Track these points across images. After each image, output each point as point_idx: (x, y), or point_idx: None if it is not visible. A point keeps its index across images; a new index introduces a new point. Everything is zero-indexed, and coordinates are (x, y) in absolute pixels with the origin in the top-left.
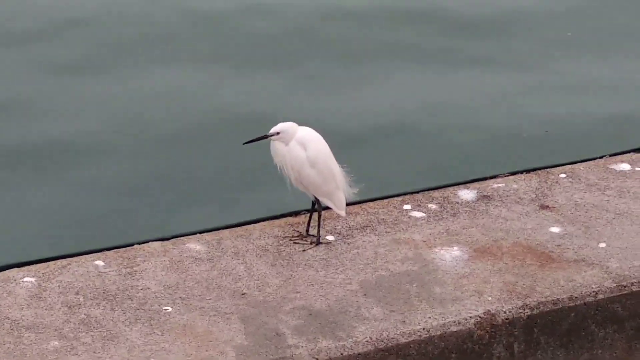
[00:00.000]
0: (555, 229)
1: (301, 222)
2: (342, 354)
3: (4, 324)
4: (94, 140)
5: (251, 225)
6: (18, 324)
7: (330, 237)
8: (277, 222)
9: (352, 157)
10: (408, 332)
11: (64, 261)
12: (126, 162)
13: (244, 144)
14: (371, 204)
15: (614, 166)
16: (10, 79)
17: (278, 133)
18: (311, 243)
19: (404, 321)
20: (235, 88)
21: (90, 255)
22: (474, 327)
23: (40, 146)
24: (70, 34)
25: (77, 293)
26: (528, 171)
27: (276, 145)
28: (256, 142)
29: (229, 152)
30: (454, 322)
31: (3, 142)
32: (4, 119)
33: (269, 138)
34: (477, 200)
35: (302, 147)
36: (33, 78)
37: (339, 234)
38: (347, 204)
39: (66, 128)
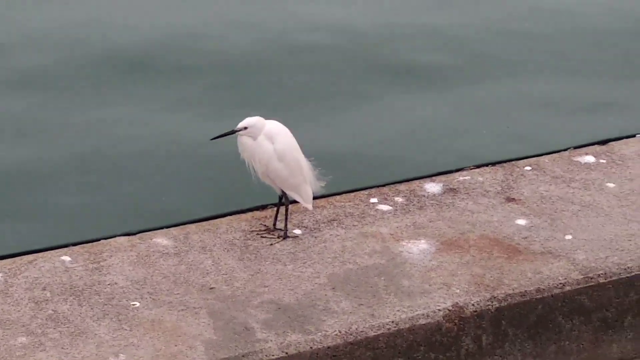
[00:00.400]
0: (521, 222)
1: (268, 216)
2: (311, 347)
3: None
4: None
5: (218, 220)
6: None
7: (297, 231)
8: (243, 216)
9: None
10: (377, 325)
11: (30, 257)
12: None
13: (211, 139)
14: (338, 197)
15: (578, 158)
16: None
17: (246, 128)
18: (278, 237)
19: (372, 314)
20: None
21: (56, 250)
22: (442, 319)
23: None
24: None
25: (44, 289)
26: (493, 164)
27: (243, 140)
28: (223, 138)
29: (196, 146)
30: (423, 315)
31: None
32: None
33: (237, 133)
34: (444, 193)
35: (269, 140)
36: None
37: (306, 227)
38: (314, 198)
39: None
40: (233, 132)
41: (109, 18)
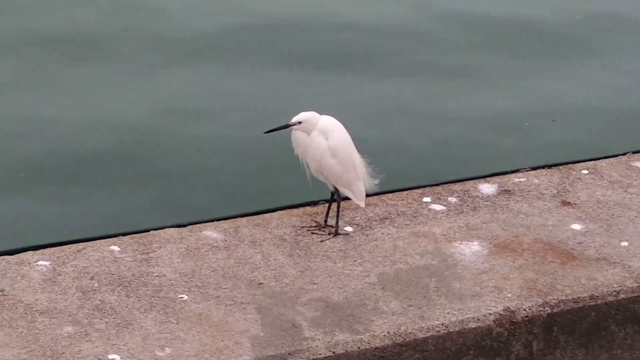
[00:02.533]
0: (576, 226)
1: (319, 212)
2: (359, 347)
3: (17, 308)
4: None
5: (269, 214)
6: (32, 308)
7: (348, 228)
8: (295, 211)
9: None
10: (426, 327)
11: (79, 245)
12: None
13: (264, 133)
14: (390, 195)
15: (636, 163)
16: None
17: (300, 122)
18: (329, 234)
19: (422, 316)
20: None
21: (105, 240)
22: (493, 323)
23: None
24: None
25: (92, 278)
26: (550, 166)
27: (297, 135)
28: (277, 132)
29: (249, 140)
30: (473, 318)
31: None
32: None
33: (291, 128)
34: (498, 194)
35: (323, 136)
36: None
37: (358, 225)
38: (367, 195)
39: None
40: (287, 126)
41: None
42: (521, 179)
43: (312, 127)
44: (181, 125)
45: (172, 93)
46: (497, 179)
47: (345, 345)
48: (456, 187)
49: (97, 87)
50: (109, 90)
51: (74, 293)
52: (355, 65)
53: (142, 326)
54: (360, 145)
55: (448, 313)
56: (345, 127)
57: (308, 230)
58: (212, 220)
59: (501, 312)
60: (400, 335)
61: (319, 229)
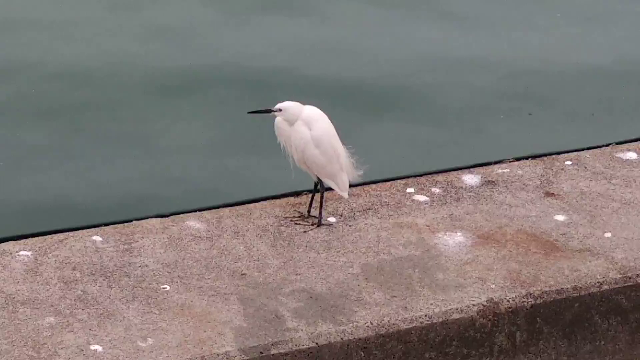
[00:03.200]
0: (560, 217)
1: (303, 203)
2: (342, 338)
3: None
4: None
5: (252, 205)
6: (13, 298)
7: (332, 219)
8: (278, 201)
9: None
10: (410, 318)
11: (61, 235)
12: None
13: (247, 113)
14: (374, 186)
15: (620, 155)
16: None
17: (280, 110)
18: (312, 224)
19: (405, 307)
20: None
21: (87, 230)
22: (476, 314)
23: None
24: None
25: (74, 268)
26: (533, 157)
27: (280, 124)
28: (260, 115)
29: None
30: (457, 309)
31: None
32: None
33: (272, 113)
34: (482, 185)
35: (306, 126)
36: None
37: (341, 215)
38: (350, 186)
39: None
40: (269, 110)
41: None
42: (505, 170)
43: (293, 117)
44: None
45: None
46: (480, 169)
47: (328, 336)
48: (440, 177)
49: None
50: None
51: (56, 283)
52: None
53: (124, 317)
54: (343, 135)
55: (431, 304)
56: (328, 117)
57: (291, 220)
58: (194, 211)
59: (484, 303)
60: (383, 326)
61: (302, 220)
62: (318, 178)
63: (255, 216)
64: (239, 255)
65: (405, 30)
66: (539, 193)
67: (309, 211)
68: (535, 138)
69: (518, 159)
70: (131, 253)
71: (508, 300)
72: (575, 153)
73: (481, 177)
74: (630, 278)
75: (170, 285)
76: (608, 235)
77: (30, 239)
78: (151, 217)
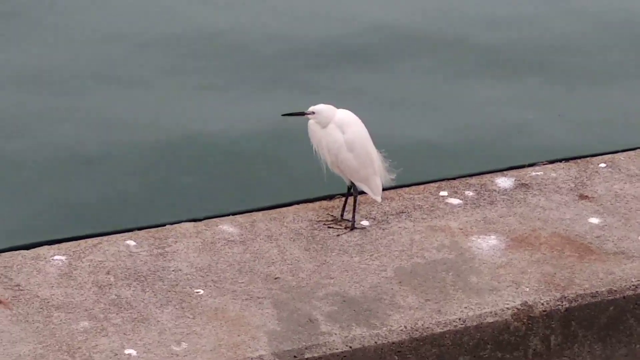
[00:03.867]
0: (594, 220)
1: (336, 207)
2: (376, 342)
3: (33, 303)
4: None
5: (285, 208)
6: (48, 302)
7: (365, 223)
8: (311, 205)
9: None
10: (443, 322)
11: (95, 240)
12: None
13: (282, 115)
14: (407, 189)
15: None
16: None
17: (313, 113)
18: (345, 228)
19: (439, 310)
20: None
21: (121, 234)
22: (510, 318)
23: None
24: None
25: (107, 273)
26: (567, 160)
27: (313, 127)
28: (294, 117)
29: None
30: (491, 312)
31: None
32: None
33: (306, 116)
34: (515, 188)
35: (340, 130)
36: None
37: (374, 219)
38: (383, 190)
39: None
40: (303, 113)
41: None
42: (538, 173)
43: (326, 120)
44: (201, 119)
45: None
46: (514, 172)
47: (362, 340)
48: (473, 180)
49: None
50: None
51: (90, 288)
52: (368, 60)
53: (158, 321)
54: (376, 139)
55: (465, 307)
56: (362, 120)
57: (324, 224)
58: (228, 215)
59: (519, 307)
60: (417, 330)
61: (336, 223)
62: (351, 182)
63: (288, 220)
64: (272, 259)
65: None
66: (573, 196)
67: (342, 215)
68: (568, 140)
69: (551, 162)
70: (164, 257)
71: (542, 304)
72: (609, 155)
73: (515, 180)
74: None
75: (203, 290)
76: None
77: (64, 243)
78: (184, 221)
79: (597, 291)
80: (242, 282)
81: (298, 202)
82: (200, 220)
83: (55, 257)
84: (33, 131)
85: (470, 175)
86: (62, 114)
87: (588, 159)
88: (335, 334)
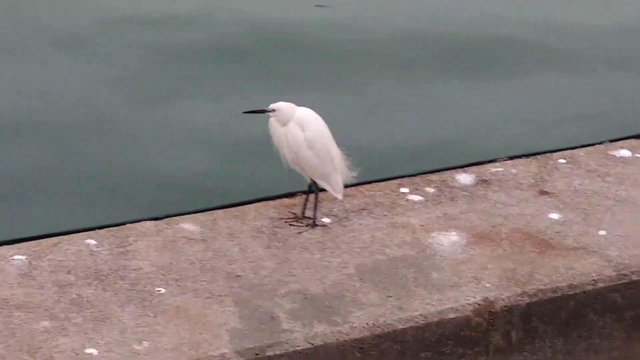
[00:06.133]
0: (554, 215)
1: (297, 204)
2: (337, 339)
3: None
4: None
5: (246, 206)
6: (8, 302)
7: (326, 220)
8: (272, 203)
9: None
10: (405, 318)
11: (55, 239)
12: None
13: (243, 112)
14: (368, 186)
15: (614, 152)
16: None
17: (273, 110)
18: (307, 225)
19: (401, 307)
20: None
21: (82, 233)
22: (471, 314)
23: None
24: None
25: (68, 272)
26: (527, 156)
27: (273, 125)
28: (255, 115)
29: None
30: (452, 308)
31: None
32: None
33: (266, 113)
34: (476, 184)
35: (300, 127)
36: None
37: (335, 216)
38: (344, 187)
39: None
40: (263, 111)
41: None
42: (499, 169)
43: (286, 117)
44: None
45: None
46: (474, 169)
47: (324, 337)
48: (434, 177)
49: None
50: None
51: (51, 287)
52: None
53: (119, 320)
54: (338, 136)
55: (427, 304)
56: (323, 118)
57: (286, 222)
58: (189, 213)
59: (480, 302)
60: (379, 327)
61: (297, 221)
62: (312, 179)
63: (249, 218)
64: (234, 257)
65: None
66: (533, 191)
67: (303, 212)
68: (528, 136)
69: (512, 158)
70: (125, 256)
71: (503, 299)
72: (569, 151)
73: (475, 176)
74: (625, 275)
75: (165, 288)
76: (602, 233)
77: (24, 242)
78: (145, 219)
79: (557, 286)
80: (204, 281)
81: (259, 200)
82: (161, 218)
83: (15, 257)
84: None
85: (431, 172)
86: None
87: (548, 155)
88: (297, 331)
